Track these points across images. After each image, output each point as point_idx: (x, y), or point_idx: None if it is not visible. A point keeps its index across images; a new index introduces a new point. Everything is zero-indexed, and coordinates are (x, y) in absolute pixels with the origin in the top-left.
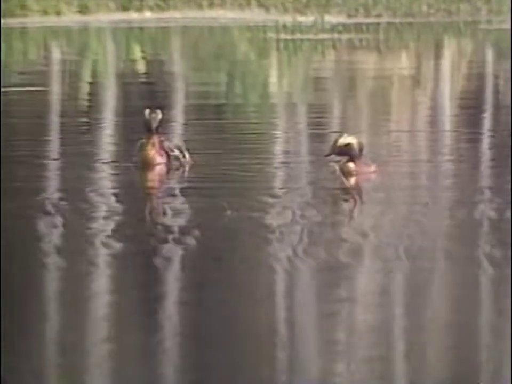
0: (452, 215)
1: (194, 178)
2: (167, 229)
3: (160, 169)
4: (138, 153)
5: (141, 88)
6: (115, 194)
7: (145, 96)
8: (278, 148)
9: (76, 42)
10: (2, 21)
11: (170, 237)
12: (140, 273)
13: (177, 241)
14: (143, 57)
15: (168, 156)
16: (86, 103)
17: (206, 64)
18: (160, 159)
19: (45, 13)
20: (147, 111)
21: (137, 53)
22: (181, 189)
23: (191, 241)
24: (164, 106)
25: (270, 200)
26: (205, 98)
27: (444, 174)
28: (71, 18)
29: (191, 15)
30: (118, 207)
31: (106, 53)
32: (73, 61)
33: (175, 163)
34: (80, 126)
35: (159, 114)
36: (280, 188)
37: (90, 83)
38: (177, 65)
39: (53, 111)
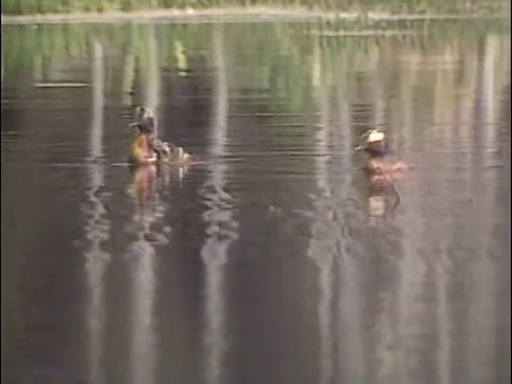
0: (496, 212)
1: (237, 173)
2: (208, 224)
3: (149, 167)
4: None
5: (183, 84)
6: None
7: (187, 92)
8: (321, 143)
9: (118, 39)
10: (44, 16)
11: (212, 232)
12: (185, 269)
13: (221, 237)
14: (186, 54)
15: (158, 154)
16: (128, 100)
17: (248, 60)
18: (147, 157)
19: (87, 9)
20: (137, 109)
21: (179, 49)
22: (225, 184)
23: (233, 236)
24: (207, 102)
25: (313, 195)
26: (247, 93)
27: (487, 168)
28: (113, 15)
29: (233, 12)
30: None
31: (148, 50)
32: (116, 58)
33: (166, 161)
34: (123, 123)
35: (146, 113)
36: (322, 183)
37: (133, 80)
38: (220, 62)
39: (95, 107)
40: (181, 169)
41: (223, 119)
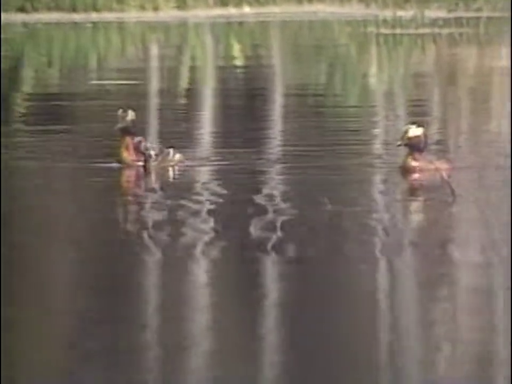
0: None
1: (294, 170)
2: (270, 223)
3: (136, 170)
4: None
5: (240, 82)
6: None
7: (244, 89)
8: (378, 139)
9: (174, 37)
10: (99, 14)
11: (271, 230)
12: (242, 269)
13: (278, 235)
14: (242, 52)
15: (146, 157)
16: (184, 98)
17: (305, 58)
18: (133, 160)
19: (142, 8)
20: (119, 111)
21: (235, 48)
22: (280, 181)
23: (294, 235)
24: (263, 99)
25: (372, 193)
26: (304, 90)
27: None
28: (168, 14)
29: (290, 10)
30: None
31: (204, 48)
32: (171, 56)
33: (154, 163)
34: (179, 121)
35: (129, 115)
36: (379, 181)
37: (189, 78)
38: (276, 59)
39: (150, 105)
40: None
41: (279, 115)
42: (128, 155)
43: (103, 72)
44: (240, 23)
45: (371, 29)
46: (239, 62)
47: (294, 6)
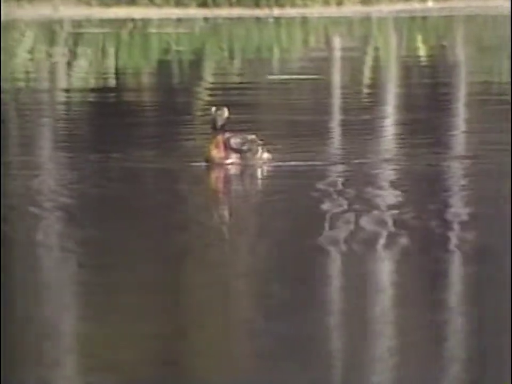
0: None
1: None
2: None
3: (227, 168)
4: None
5: (423, 76)
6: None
7: (426, 84)
8: None
9: (357, 32)
10: (282, 10)
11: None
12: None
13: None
14: (426, 46)
15: (239, 154)
16: (367, 94)
17: (488, 53)
18: (224, 158)
19: (326, 3)
20: (213, 109)
21: (419, 42)
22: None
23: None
24: (446, 97)
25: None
26: (487, 86)
27: None
28: (351, 9)
29: (474, 4)
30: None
31: (388, 43)
32: (354, 51)
33: (248, 162)
34: (362, 117)
35: (225, 112)
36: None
37: (372, 72)
38: (460, 54)
39: (333, 103)
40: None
41: (462, 110)
42: (217, 153)
43: (285, 67)
44: (424, 18)
45: None
46: (421, 56)
47: (478, 1)
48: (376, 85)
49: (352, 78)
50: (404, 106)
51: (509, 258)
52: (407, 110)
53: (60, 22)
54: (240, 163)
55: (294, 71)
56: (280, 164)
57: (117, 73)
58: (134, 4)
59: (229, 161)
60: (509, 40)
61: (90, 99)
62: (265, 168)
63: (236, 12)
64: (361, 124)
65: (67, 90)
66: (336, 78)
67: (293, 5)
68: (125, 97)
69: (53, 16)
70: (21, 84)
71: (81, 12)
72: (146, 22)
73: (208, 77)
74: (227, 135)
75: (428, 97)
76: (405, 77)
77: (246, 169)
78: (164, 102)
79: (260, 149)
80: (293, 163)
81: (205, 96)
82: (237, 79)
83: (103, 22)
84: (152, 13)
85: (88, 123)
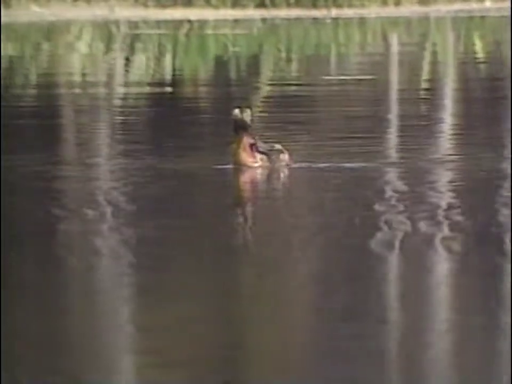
0: None
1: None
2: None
3: (254, 172)
4: (231, 156)
5: (481, 76)
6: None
7: (485, 84)
8: None
9: (415, 32)
10: (340, 10)
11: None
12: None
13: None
14: (483, 47)
15: (267, 157)
16: (424, 95)
17: None
18: (253, 161)
19: (384, 3)
20: (236, 111)
21: (477, 42)
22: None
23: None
24: (504, 94)
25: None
26: None
27: None
28: (409, 9)
29: None
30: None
31: (446, 43)
32: (412, 51)
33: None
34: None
35: (249, 113)
36: None
37: (429, 72)
38: None
39: (390, 100)
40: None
41: None
42: (246, 155)
43: (341, 67)
44: (482, 17)
45: None
46: (479, 57)
47: None
48: (434, 85)
49: (410, 77)
50: (461, 105)
51: None
52: (465, 108)
53: (116, 23)
54: (268, 166)
55: (351, 71)
56: (326, 164)
57: (174, 74)
58: (191, 5)
59: (257, 164)
60: None
61: (147, 100)
62: (297, 170)
63: (294, 12)
64: (418, 123)
65: (124, 92)
66: (394, 78)
67: (351, 5)
68: (182, 99)
69: (109, 17)
70: (78, 85)
71: (137, 13)
72: (202, 23)
73: (266, 77)
74: (251, 138)
75: (485, 94)
76: (463, 76)
77: (276, 172)
78: (221, 103)
79: (284, 152)
80: (348, 165)
81: (262, 95)
82: (294, 79)
83: (159, 23)
84: (209, 14)
85: (144, 124)
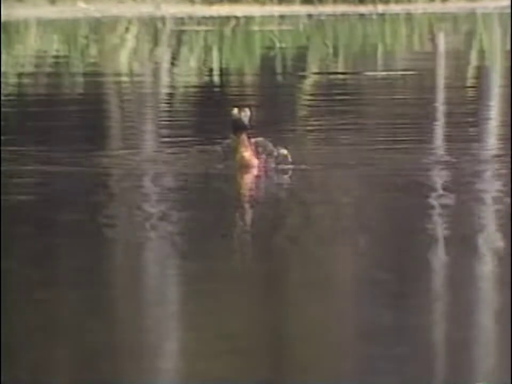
0: None
1: None
2: None
3: (256, 172)
4: (232, 156)
5: None
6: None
7: None
8: None
9: (462, 28)
10: (387, 6)
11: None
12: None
13: None
14: None
15: (267, 157)
16: (471, 93)
17: None
18: (255, 161)
19: (432, 0)
20: (235, 110)
21: None
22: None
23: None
24: None
25: None
26: None
27: None
28: (457, 4)
29: None
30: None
31: (492, 39)
32: (459, 47)
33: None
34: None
35: (248, 113)
36: None
37: (475, 70)
38: None
39: (437, 99)
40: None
41: None
42: (249, 155)
43: (389, 63)
44: None
45: None
46: None
47: None
48: (481, 81)
49: (457, 73)
50: (506, 103)
51: None
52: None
53: (163, 19)
54: (270, 166)
55: (398, 67)
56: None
57: (221, 70)
58: (237, 1)
59: (261, 164)
60: None
61: (194, 96)
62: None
63: (340, 8)
64: (463, 120)
65: (170, 87)
66: (440, 74)
67: (397, 1)
68: (229, 94)
69: (155, 13)
70: (125, 80)
71: (183, 9)
72: (249, 19)
73: (312, 73)
74: (253, 138)
75: None
76: (508, 73)
77: (280, 172)
78: (267, 99)
79: (285, 152)
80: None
81: (308, 91)
82: (340, 75)
83: (205, 20)
84: (255, 10)
85: (190, 120)
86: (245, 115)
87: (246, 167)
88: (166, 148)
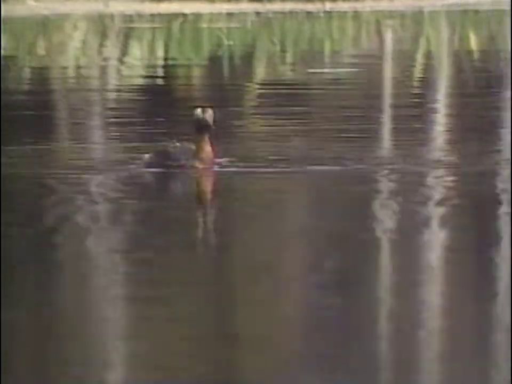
0: None
1: None
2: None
3: (217, 170)
4: (197, 155)
5: (474, 72)
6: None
7: (479, 81)
8: None
9: (409, 26)
10: (333, 4)
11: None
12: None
13: None
14: (477, 42)
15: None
16: (416, 89)
17: None
18: (214, 159)
19: None
20: (198, 110)
21: (471, 37)
22: None
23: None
24: (497, 91)
25: None
26: None
27: None
28: (403, 2)
29: None
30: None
31: (439, 37)
32: (406, 45)
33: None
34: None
35: (211, 113)
36: None
37: (422, 67)
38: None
39: (384, 95)
40: None
41: None
42: (211, 153)
43: (336, 60)
44: (475, 12)
45: None
46: (473, 52)
47: None
48: (427, 79)
49: (403, 71)
50: (455, 102)
51: None
52: (458, 105)
53: (111, 16)
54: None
55: (344, 65)
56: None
57: (167, 67)
58: None
59: (218, 161)
60: None
61: (140, 95)
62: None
63: (288, 6)
64: (410, 120)
65: (118, 84)
66: (387, 72)
67: None
68: (175, 92)
69: (103, 11)
70: (72, 77)
71: (132, 6)
72: (197, 16)
73: (260, 71)
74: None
75: (478, 90)
76: (456, 71)
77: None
78: (214, 97)
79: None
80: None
81: (255, 90)
82: (288, 73)
83: (154, 17)
84: (203, 7)
85: (136, 117)
86: (208, 115)
87: (210, 164)
88: (114, 144)
